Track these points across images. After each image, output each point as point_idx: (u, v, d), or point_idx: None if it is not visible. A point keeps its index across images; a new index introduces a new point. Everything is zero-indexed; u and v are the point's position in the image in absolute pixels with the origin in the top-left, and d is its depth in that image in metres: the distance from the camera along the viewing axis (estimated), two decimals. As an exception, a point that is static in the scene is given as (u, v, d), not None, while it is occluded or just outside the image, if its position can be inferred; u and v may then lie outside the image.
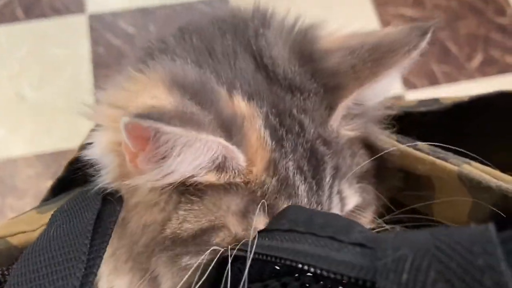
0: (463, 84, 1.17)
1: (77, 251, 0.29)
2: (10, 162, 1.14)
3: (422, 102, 0.43)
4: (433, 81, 1.18)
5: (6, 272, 0.35)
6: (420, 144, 0.38)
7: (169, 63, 0.36)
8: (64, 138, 1.16)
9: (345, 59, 0.36)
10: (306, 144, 0.35)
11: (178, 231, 0.34)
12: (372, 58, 0.35)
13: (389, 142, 0.39)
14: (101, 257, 0.29)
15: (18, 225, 0.38)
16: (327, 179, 0.35)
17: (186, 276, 0.33)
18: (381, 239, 0.25)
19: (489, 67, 1.20)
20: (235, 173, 0.33)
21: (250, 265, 0.27)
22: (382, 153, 0.38)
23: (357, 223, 0.28)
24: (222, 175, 0.33)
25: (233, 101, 0.35)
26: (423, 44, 0.35)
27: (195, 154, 0.31)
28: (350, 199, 0.37)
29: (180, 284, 0.32)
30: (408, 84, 1.17)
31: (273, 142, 0.34)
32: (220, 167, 0.33)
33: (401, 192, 0.40)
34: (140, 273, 0.36)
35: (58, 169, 1.20)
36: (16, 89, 1.19)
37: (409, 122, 0.41)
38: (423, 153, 0.37)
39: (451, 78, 1.18)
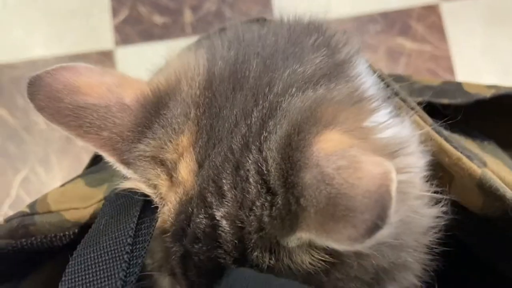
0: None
1: (121, 251, 0.31)
2: (30, 63, 1.13)
3: (445, 84, 0.42)
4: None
5: (54, 238, 0.39)
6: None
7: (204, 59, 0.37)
8: (80, 41, 1.15)
9: (311, 191, 0.28)
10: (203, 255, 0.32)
11: None
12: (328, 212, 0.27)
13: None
14: (143, 256, 0.31)
15: (70, 199, 0.41)
16: None
17: None
18: None
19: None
20: None
21: None
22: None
23: None
24: None
25: (178, 174, 0.34)
26: None
27: None
28: None
29: None
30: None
31: (172, 240, 0.34)
32: None
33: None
34: None
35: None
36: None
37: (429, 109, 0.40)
38: (451, 146, 0.36)
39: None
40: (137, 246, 0.32)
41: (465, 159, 0.36)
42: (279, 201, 0.30)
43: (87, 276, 0.30)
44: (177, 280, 0.35)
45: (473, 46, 1.17)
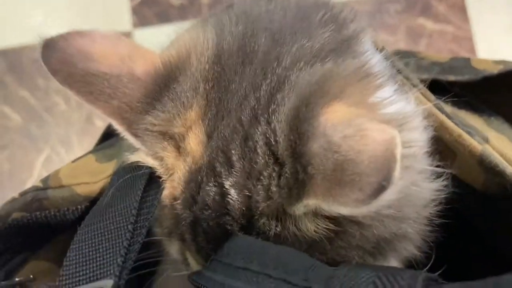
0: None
1: (125, 221, 0.32)
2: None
3: (453, 60, 0.41)
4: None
5: (67, 212, 0.41)
6: (443, 104, 0.38)
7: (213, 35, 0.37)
8: (99, 22, 1.16)
9: (319, 159, 0.29)
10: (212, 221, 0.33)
11: None
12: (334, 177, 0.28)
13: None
14: (146, 227, 0.32)
15: (81, 174, 0.42)
16: None
17: None
18: (333, 277, 0.27)
19: None
20: None
21: None
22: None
23: (309, 259, 0.29)
24: None
25: (187, 145, 0.34)
26: None
27: None
28: None
29: None
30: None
31: (182, 207, 0.35)
32: None
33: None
34: None
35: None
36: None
37: (436, 85, 0.40)
38: (452, 123, 0.37)
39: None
40: (141, 218, 0.33)
41: (465, 136, 0.36)
42: (287, 171, 0.31)
43: (93, 245, 0.32)
44: (186, 245, 0.36)
45: (496, 26, 1.14)
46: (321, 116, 0.30)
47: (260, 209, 0.32)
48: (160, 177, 0.36)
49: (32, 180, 1.09)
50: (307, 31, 0.37)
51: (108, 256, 0.31)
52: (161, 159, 0.36)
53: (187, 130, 0.35)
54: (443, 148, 0.38)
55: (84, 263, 0.31)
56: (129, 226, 0.32)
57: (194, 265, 0.37)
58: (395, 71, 0.39)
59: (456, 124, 0.37)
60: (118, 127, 0.36)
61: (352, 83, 0.33)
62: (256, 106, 0.34)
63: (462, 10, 1.15)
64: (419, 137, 0.35)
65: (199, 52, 0.37)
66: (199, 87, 0.35)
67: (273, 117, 0.32)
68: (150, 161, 0.36)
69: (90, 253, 0.31)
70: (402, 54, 0.51)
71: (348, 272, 0.27)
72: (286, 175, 0.31)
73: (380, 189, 0.26)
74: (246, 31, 0.37)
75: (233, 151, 0.33)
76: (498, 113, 0.43)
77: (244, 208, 0.32)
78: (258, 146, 0.32)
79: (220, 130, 0.34)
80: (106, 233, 0.32)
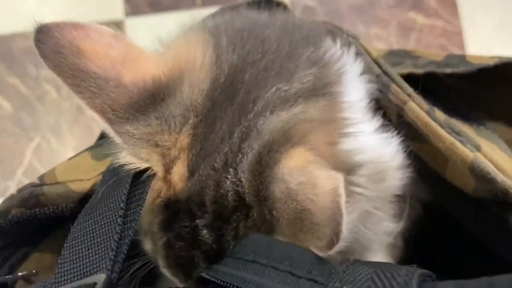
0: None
1: (115, 215, 0.33)
2: (41, 33, 1.14)
3: (449, 58, 0.42)
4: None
5: (65, 209, 0.42)
6: (437, 111, 0.39)
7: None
8: (91, 11, 1.15)
9: (281, 205, 0.31)
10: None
11: None
12: None
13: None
14: (136, 220, 0.33)
15: (76, 171, 0.43)
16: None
17: None
18: (333, 273, 0.28)
19: None
20: None
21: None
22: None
23: (313, 255, 0.30)
24: None
25: (172, 175, 0.35)
26: None
27: None
28: None
29: None
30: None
31: (158, 228, 0.36)
32: None
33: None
34: None
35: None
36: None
37: (433, 80, 0.40)
38: (445, 131, 0.38)
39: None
40: (131, 212, 0.34)
41: (457, 144, 0.37)
42: (254, 214, 0.33)
43: (86, 241, 0.33)
44: (157, 250, 0.37)
45: (486, 22, 1.16)
46: (280, 162, 0.32)
47: (230, 247, 0.34)
48: (148, 174, 0.36)
49: (23, 168, 1.08)
50: (290, 73, 0.37)
51: (100, 251, 0.32)
52: (146, 160, 0.36)
53: (178, 153, 0.35)
54: (436, 153, 0.39)
55: (78, 260, 0.32)
56: (119, 220, 0.33)
57: (161, 263, 0.37)
58: (388, 81, 0.40)
59: (448, 132, 0.38)
60: (100, 122, 0.36)
61: (315, 128, 0.34)
62: (228, 153, 0.35)
63: (452, 5, 1.16)
64: (389, 184, 0.38)
65: (194, 81, 0.36)
66: (189, 118, 0.36)
67: (239, 168, 0.34)
68: (135, 162, 0.36)
69: (83, 249, 0.32)
70: (397, 54, 0.52)
71: (347, 269, 0.29)
72: (253, 217, 0.33)
73: (332, 243, 0.29)
74: (238, 63, 0.37)
75: (207, 197, 0.34)
76: (494, 107, 0.44)
77: (214, 245, 0.34)
78: (229, 194, 0.34)
79: (200, 172, 0.35)
80: (97, 229, 0.33)
